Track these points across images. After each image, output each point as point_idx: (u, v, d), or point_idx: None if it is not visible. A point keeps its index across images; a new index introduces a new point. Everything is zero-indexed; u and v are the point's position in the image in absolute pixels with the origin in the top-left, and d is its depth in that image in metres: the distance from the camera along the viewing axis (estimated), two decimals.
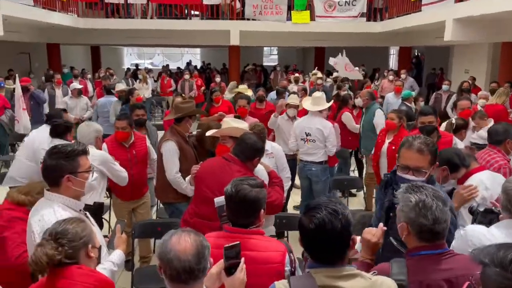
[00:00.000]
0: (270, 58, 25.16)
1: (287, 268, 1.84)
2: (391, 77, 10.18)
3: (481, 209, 2.05)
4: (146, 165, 4.03)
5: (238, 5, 12.24)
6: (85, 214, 2.15)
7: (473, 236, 1.86)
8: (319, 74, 9.61)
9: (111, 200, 4.10)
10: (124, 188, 3.63)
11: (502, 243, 1.31)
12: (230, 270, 1.64)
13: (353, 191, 5.91)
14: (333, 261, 1.51)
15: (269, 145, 3.88)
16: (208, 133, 3.33)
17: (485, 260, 1.23)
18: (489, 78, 10.20)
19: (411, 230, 1.62)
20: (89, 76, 12.08)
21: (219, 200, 2.23)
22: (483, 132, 5.07)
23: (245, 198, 1.89)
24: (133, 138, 3.85)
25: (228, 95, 8.19)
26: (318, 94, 4.93)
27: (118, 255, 2.11)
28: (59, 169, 2.00)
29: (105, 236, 2.27)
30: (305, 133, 4.71)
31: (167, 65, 18.56)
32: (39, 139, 3.84)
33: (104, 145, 3.70)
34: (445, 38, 8.62)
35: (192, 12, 13.28)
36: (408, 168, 2.05)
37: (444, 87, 8.48)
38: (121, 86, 7.22)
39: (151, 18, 12.30)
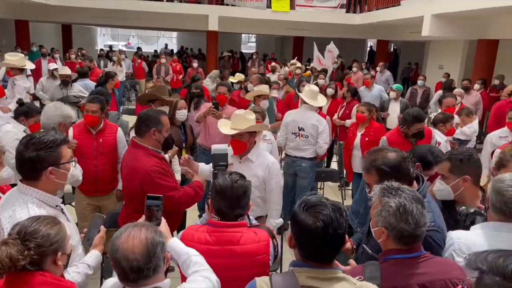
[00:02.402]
0: (248, 46, 24.92)
1: (271, 255, 1.88)
2: (364, 71, 10.26)
3: (471, 210, 2.02)
4: (115, 159, 3.50)
5: None
6: (61, 209, 1.99)
7: (459, 239, 1.81)
8: (298, 64, 9.54)
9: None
10: (87, 180, 3.20)
11: (500, 250, 1.26)
12: (150, 219, 1.76)
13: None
14: (325, 261, 1.45)
15: (268, 133, 4.02)
16: (224, 131, 2.98)
17: (482, 267, 1.19)
18: (462, 75, 10.40)
19: (390, 235, 1.56)
20: (57, 55, 11.51)
21: (218, 147, 2.28)
22: (466, 129, 5.18)
23: (243, 188, 1.90)
24: (101, 125, 3.42)
25: (209, 83, 8.04)
26: (315, 88, 4.66)
27: (95, 257, 1.94)
28: (40, 162, 1.82)
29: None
30: (298, 127, 4.44)
31: (139, 48, 18.06)
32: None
33: (71, 130, 3.39)
34: (423, 33, 8.71)
35: None
36: None
37: (420, 82, 8.58)
38: (66, 70, 6.55)
39: None
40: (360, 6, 12.84)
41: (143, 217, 1.79)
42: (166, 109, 3.72)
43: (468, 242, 1.77)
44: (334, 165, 6.53)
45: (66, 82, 6.19)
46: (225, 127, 2.95)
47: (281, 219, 2.93)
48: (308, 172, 4.53)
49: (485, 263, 1.19)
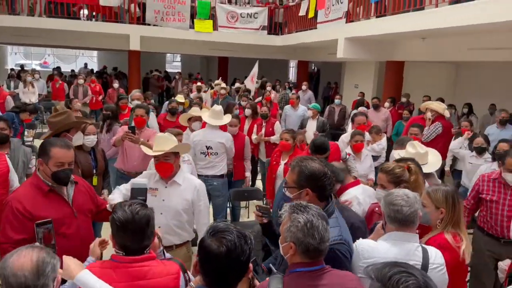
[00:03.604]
0: (174, 65, 24.68)
1: None
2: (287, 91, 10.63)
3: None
4: (6, 189, 3.17)
5: (137, 9, 11.75)
6: None
7: (363, 250, 1.97)
8: (223, 84, 9.63)
9: None
10: None
11: (392, 262, 1.38)
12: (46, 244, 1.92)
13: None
14: (228, 287, 1.48)
15: (186, 154, 3.98)
16: (149, 153, 2.94)
17: (372, 275, 1.31)
18: (375, 94, 11.19)
19: (297, 249, 1.64)
20: None
21: (138, 181, 2.25)
22: (376, 146, 5.55)
23: (145, 218, 1.80)
24: None
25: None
26: (218, 108, 4.84)
27: None
28: None
29: None
30: (206, 146, 4.58)
31: (58, 67, 17.09)
32: None
33: None
34: (338, 55, 9.27)
35: (88, 12, 12.42)
36: (286, 182, 2.11)
37: (336, 101, 9.09)
38: None
39: (40, 16, 11.22)
40: (281, 28, 13.38)
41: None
42: (79, 135, 3.53)
43: (369, 247, 1.96)
44: (259, 183, 6.63)
45: None
46: (149, 149, 2.96)
47: None
48: (220, 190, 4.62)
49: (375, 272, 1.31)
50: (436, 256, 1.98)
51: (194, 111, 5.36)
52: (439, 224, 2.27)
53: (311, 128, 6.77)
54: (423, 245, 2.01)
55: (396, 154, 3.43)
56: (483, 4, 5.37)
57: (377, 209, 2.45)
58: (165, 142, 2.84)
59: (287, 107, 8.14)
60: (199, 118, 5.15)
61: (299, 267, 1.65)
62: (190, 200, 2.85)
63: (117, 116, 5.43)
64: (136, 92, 6.36)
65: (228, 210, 5.20)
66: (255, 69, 9.39)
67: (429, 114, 6.17)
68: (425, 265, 1.91)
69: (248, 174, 5.35)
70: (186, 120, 5.30)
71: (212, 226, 1.55)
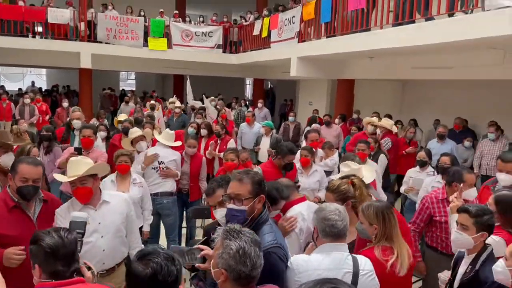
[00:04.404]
0: (128, 83, 24.20)
1: None
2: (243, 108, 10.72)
3: None
4: None
5: (85, 27, 11.48)
6: None
7: (297, 264, 2.03)
8: (177, 103, 9.55)
9: None
10: None
11: (323, 279, 1.40)
12: None
13: None
14: None
15: (137, 176, 4.02)
16: (62, 179, 2.86)
17: None
18: (328, 110, 11.52)
19: (229, 276, 1.63)
20: None
21: (78, 214, 2.17)
22: (328, 161, 5.69)
23: (75, 240, 1.78)
24: None
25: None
26: (171, 132, 4.97)
27: None
28: None
29: None
30: (158, 161, 4.57)
31: (2, 86, 16.29)
32: None
33: None
34: (291, 73, 9.50)
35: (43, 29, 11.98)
36: (230, 197, 2.10)
37: (290, 118, 9.27)
38: None
39: None
40: (236, 47, 13.54)
41: None
42: (10, 156, 3.35)
43: (303, 262, 2.04)
44: None
45: None
46: (64, 176, 2.82)
47: None
48: (170, 208, 4.56)
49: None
50: (365, 263, 2.12)
51: (133, 133, 5.20)
52: (374, 239, 2.37)
53: (265, 145, 6.88)
54: (353, 254, 2.14)
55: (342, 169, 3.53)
56: (419, 27, 5.74)
57: None
58: (79, 166, 2.69)
59: (243, 125, 8.19)
60: (141, 138, 5.07)
61: None
62: (125, 213, 2.82)
63: (55, 138, 5.25)
64: (75, 111, 6.05)
65: (184, 230, 5.13)
66: (188, 88, 9.33)
67: (370, 129, 6.56)
68: (356, 272, 2.04)
69: (204, 195, 5.30)
70: (129, 144, 5.09)
71: (140, 250, 1.58)
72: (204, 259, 1.95)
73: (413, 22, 6.02)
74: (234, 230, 1.69)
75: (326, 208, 2.14)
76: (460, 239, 2.35)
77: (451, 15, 5.50)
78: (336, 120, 9.07)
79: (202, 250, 1.98)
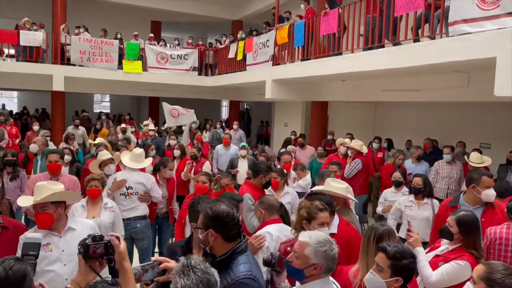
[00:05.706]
0: (102, 105, 23.89)
1: None
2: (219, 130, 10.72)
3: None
4: None
5: (58, 50, 11.35)
6: None
7: None
8: (151, 126, 9.47)
9: None
10: None
11: None
12: None
13: None
14: None
15: (109, 200, 3.95)
16: (23, 204, 2.80)
17: None
18: (303, 131, 11.65)
19: None
20: None
21: (33, 235, 2.08)
22: (302, 182, 5.72)
23: (21, 272, 1.70)
24: None
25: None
26: (139, 151, 4.80)
27: None
28: None
29: None
30: (126, 187, 4.44)
31: None
32: None
33: None
34: (266, 95, 9.61)
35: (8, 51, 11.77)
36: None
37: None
38: None
39: None
40: (212, 69, 13.64)
41: None
42: None
43: None
44: None
45: None
46: (28, 200, 2.73)
47: None
48: (144, 232, 4.47)
49: None
50: None
51: (102, 155, 5.12)
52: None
53: (243, 167, 6.83)
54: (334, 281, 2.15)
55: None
56: (388, 52, 5.96)
57: (288, 248, 2.48)
58: (43, 191, 2.63)
59: (219, 147, 8.17)
60: (110, 161, 5.01)
61: None
62: None
63: (18, 163, 5.16)
64: (43, 135, 5.97)
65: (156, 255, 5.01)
66: (165, 110, 9.27)
67: (343, 149, 6.73)
68: None
69: (176, 215, 5.23)
70: (97, 168, 5.00)
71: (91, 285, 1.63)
72: (164, 271, 1.92)
73: (383, 46, 6.24)
74: (187, 266, 1.63)
75: (326, 243, 2.05)
76: (374, 281, 2.09)
77: (416, 40, 5.73)
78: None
79: (160, 262, 1.96)
